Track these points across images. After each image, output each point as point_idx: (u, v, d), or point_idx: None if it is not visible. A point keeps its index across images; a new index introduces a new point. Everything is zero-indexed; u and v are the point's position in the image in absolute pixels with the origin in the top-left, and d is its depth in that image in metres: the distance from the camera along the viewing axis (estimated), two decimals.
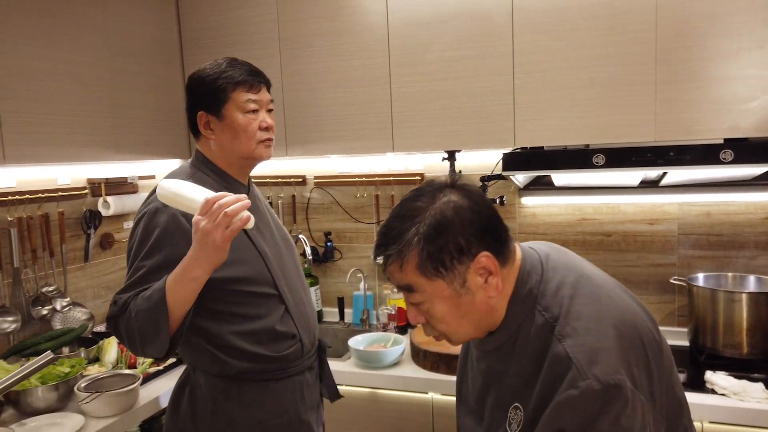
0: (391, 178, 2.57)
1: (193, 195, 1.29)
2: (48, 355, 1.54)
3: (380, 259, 1.05)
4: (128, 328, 1.35)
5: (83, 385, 1.80)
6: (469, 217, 0.99)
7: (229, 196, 1.25)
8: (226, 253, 1.28)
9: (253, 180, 1.69)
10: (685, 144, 1.80)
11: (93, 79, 2.06)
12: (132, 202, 2.52)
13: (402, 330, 2.42)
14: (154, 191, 1.42)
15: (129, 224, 2.61)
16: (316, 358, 1.65)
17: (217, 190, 1.32)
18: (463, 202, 1.00)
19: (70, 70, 1.97)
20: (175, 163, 2.80)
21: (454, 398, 1.73)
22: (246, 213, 1.26)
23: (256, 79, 1.53)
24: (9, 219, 2.05)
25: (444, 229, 0.98)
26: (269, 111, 1.57)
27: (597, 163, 1.83)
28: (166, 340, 1.34)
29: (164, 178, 1.43)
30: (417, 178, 2.52)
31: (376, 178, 2.59)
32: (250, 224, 1.27)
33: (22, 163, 1.80)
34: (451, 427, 1.96)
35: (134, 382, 1.83)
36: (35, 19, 1.85)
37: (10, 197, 2.04)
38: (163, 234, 1.40)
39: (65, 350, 2.15)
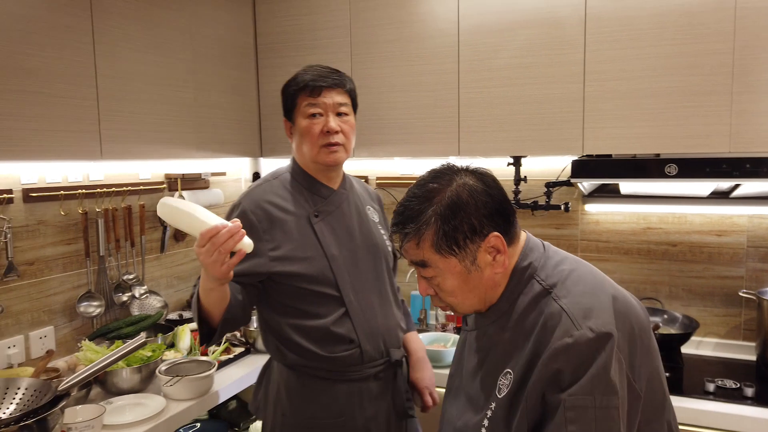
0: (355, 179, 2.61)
1: (190, 221, 1.32)
2: (141, 338, 1.65)
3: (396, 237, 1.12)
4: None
5: (163, 368, 1.92)
6: (483, 199, 1.05)
7: (223, 231, 1.26)
8: (220, 274, 1.31)
9: None
10: (761, 156, 1.78)
11: (179, 81, 2.19)
12: (204, 197, 2.64)
13: (460, 331, 2.45)
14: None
15: None
16: (385, 370, 1.62)
17: (298, 194, 1.46)
18: (477, 185, 1.07)
19: (160, 73, 2.10)
20: (246, 162, 2.93)
21: None
22: (246, 241, 1.29)
23: (318, 82, 1.53)
24: (97, 210, 2.19)
25: (459, 210, 1.04)
26: (339, 114, 1.56)
27: (669, 172, 1.83)
28: (204, 334, 1.49)
29: (261, 178, 1.56)
30: None
31: None
32: (248, 249, 1.31)
33: (116, 159, 1.93)
34: None
35: (210, 369, 1.93)
36: (133, 26, 1.99)
37: (99, 190, 2.18)
38: None
39: (142, 335, 2.27)
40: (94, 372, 1.55)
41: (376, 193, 1.83)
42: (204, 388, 1.91)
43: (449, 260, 1.07)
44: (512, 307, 1.10)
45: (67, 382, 1.49)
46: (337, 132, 1.54)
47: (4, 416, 1.42)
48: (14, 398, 1.50)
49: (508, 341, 1.09)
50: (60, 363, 2.01)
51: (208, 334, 1.50)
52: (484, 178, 1.10)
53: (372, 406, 1.59)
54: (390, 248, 1.70)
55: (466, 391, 1.19)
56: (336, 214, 1.59)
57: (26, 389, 1.52)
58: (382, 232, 1.71)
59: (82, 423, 1.60)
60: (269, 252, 1.52)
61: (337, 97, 1.55)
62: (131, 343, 1.62)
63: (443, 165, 1.14)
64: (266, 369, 1.72)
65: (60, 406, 1.44)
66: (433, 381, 1.73)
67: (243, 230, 1.30)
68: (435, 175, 1.11)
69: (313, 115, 1.53)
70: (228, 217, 1.53)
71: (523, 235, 1.15)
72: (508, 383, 1.05)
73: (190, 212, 1.32)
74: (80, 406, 1.71)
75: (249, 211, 1.52)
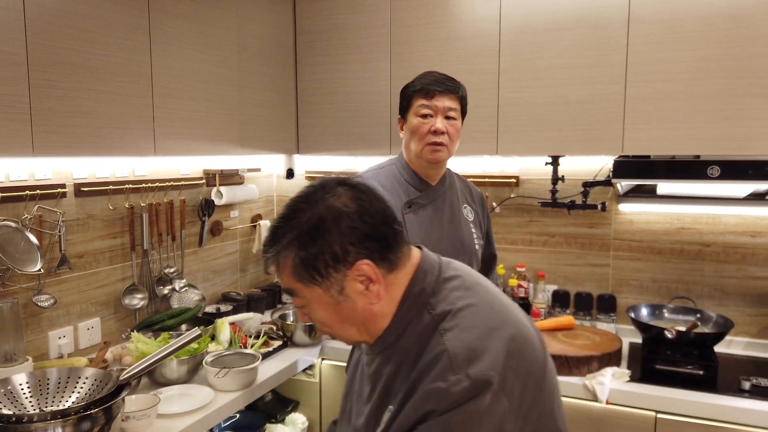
0: (486, 180, 2.64)
1: None
2: (196, 331, 1.69)
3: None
4: None
5: (210, 360, 1.96)
6: (350, 224, 0.95)
7: None
8: None
9: None
10: None
11: (226, 78, 2.23)
12: (241, 193, 2.69)
13: None
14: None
15: (235, 213, 2.78)
16: None
17: (398, 184, 1.70)
18: (348, 207, 0.96)
19: (209, 71, 2.15)
20: (280, 159, 2.96)
21: None
22: None
23: (433, 87, 1.69)
24: (142, 205, 2.23)
25: (319, 236, 0.94)
26: (448, 118, 1.70)
27: (712, 174, 1.86)
28: None
29: (369, 167, 1.84)
30: (512, 180, 2.59)
31: (471, 179, 2.66)
32: None
33: (168, 155, 1.97)
34: None
35: (255, 361, 1.97)
36: (185, 24, 2.03)
37: (144, 185, 2.22)
38: None
39: (183, 327, 2.32)
40: (154, 363, 1.60)
41: (480, 194, 1.95)
42: (249, 379, 1.95)
43: (313, 290, 0.98)
44: (399, 340, 1.00)
45: (128, 372, 1.54)
46: (443, 133, 1.70)
47: (69, 405, 1.46)
48: (75, 388, 1.54)
49: (393, 376, 1.01)
50: (107, 354, 2.06)
51: None
52: (361, 197, 0.98)
53: None
54: (478, 247, 1.81)
55: (354, 422, 1.13)
56: (428, 208, 1.74)
57: (87, 379, 1.56)
58: (473, 231, 1.82)
59: (139, 412, 1.64)
60: None
61: (448, 102, 1.71)
62: (187, 336, 1.66)
63: (319, 180, 1.03)
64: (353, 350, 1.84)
65: (123, 395, 1.49)
66: None
67: None
68: (306, 191, 1.01)
69: (425, 116, 1.70)
70: None
71: (416, 256, 1.05)
72: (387, 421, 0.98)
73: None
74: (134, 396, 1.75)
75: None
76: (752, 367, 2.14)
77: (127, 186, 2.16)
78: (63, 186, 1.95)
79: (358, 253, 0.96)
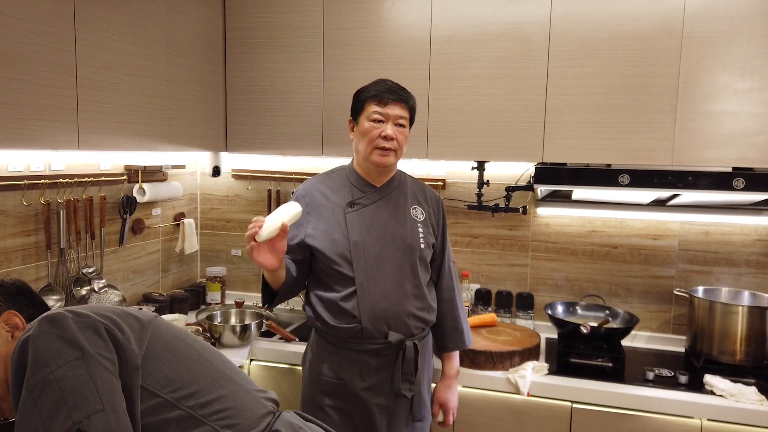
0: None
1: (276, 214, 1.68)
2: None
3: None
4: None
5: None
6: None
7: (251, 225, 1.62)
8: (260, 261, 1.66)
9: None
10: (701, 170, 2.01)
11: (154, 72, 2.16)
12: (164, 190, 2.61)
13: None
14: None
15: (158, 211, 2.69)
16: (386, 349, 1.83)
17: (343, 186, 1.87)
18: None
19: (137, 63, 2.07)
20: (206, 156, 2.90)
21: (475, 390, 2.04)
22: (262, 232, 1.60)
23: (386, 95, 1.79)
24: (59, 201, 2.11)
25: None
26: (398, 125, 1.79)
27: (622, 182, 2.02)
28: (265, 298, 1.88)
29: (329, 170, 1.98)
30: (440, 183, 2.68)
31: None
32: (260, 238, 1.62)
33: (93, 149, 1.88)
34: (471, 416, 2.13)
35: None
36: (113, 14, 1.95)
37: (60, 180, 2.11)
38: None
39: None
40: None
41: (437, 197, 2.02)
42: None
43: None
44: None
45: None
46: (392, 139, 1.79)
47: None
48: None
49: None
50: None
51: (270, 299, 1.87)
52: None
53: (370, 378, 1.83)
54: (423, 245, 1.88)
55: None
56: (370, 208, 1.84)
57: None
58: (420, 230, 1.88)
59: None
60: (307, 229, 1.85)
61: (399, 111, 1.81)
62: None
63: None
64: (310, 333, 2.01)
65: None
66: (456, 403, 2.03)
67: (260, 221, 1.62)
68: None
69: (376, 121, 1.79)
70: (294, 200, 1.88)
71: None
72: None
73: (288, 215, 1.66)
74: None
75: (300, 196, 1.90)
76: (654, 359, 2.35)
77: (43, 181, 2.04)
78: None
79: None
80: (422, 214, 1.92)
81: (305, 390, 1.95)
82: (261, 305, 2.01)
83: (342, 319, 1.81)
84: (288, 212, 1.65)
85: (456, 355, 2.03)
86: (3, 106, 1.59)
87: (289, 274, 1.82)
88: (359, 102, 1.83)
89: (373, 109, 1.78)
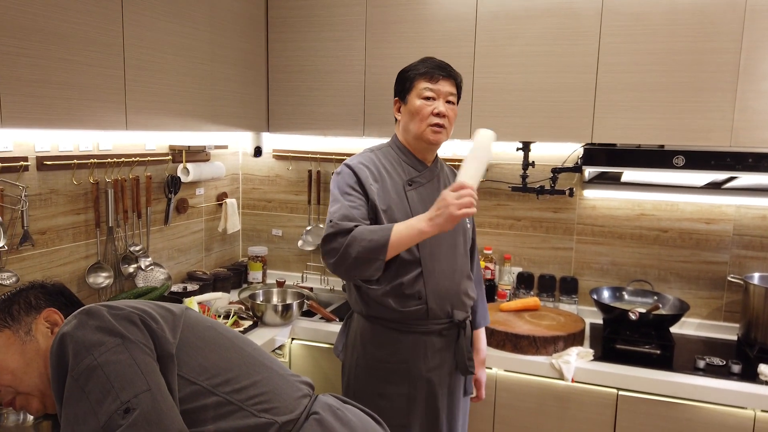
0: (457, 163, 2.66)
1: (470, 168, 1.62)
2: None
3: None
4: (348, 248, 1.64)
5: None
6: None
7: (474, 191, 1.56)
8: (452, 225, 1.58)
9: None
10: (762, 151, 1.91)
11: (198, 52, 2.16)
12: (207, 170, 2.63)
13: None
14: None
15: (201, 191, 2.72)
16: (449, 329, 1.82)
17: (396, 164, 1.79)
18: None
19: (182, 43, 2.07)
20: (248, 136, 2.91)
21: (517, 374, 2.03)
22: (473, 209, 1.56)
23: (437, 71, 1.75)
24: (107, 180, 2.15)
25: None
26: (449, 102, 1.77)
27: (677, 164, 1.94)
28: (380, 267, 1.65)
29: (363, 151, 1.86)
30: None
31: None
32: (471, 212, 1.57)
33: (140, 130, 1.90)
34: (512, 400, 2.10)
35: None
36: None
37: (108, 159, 2.15)
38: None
39: None
40: None
41: None
42: None
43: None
44: None
45: None
46: (444, 116, 1.75)
47: None
48: None
49: None
50: None
51: (378, 271, 1.68)
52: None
53: (435, 359, 1.80)
54: (469, 225, 1.90)
55: None
56: (427, 186, 1.81)
57: None
58: None
59: None
60: (382, 204, 1.73)
61: (449, 87, 1.76)
62: None
63: None
64: (348, 320, 1.96)
65: None
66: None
67: (472, 192, 1.56)
68: None
69: (428, 98, 1.74)
70: (338, 170, 1.80)
71: None
72: None
73: (484, 161, 1.64)
74: None
75: (356, 166, 1.76)
76: (704, 347, 2.27)
77: (92, 161, 2.08)
78: (25, 159, 1.86)
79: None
80: None
81: (353, 378, 1.86)
82: (368, 280, 1.77)
83: (407, 302, 1.75)
84: (484, 156, 1.63)
85: (483, 332, 2.07)
86: (53, 86, 1.61)
87: None
88: (407, 80, 1.78)
89: (423, 85, 1.74)
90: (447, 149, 2.69)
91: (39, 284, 1.27)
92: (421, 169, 1.83)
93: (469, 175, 1.59)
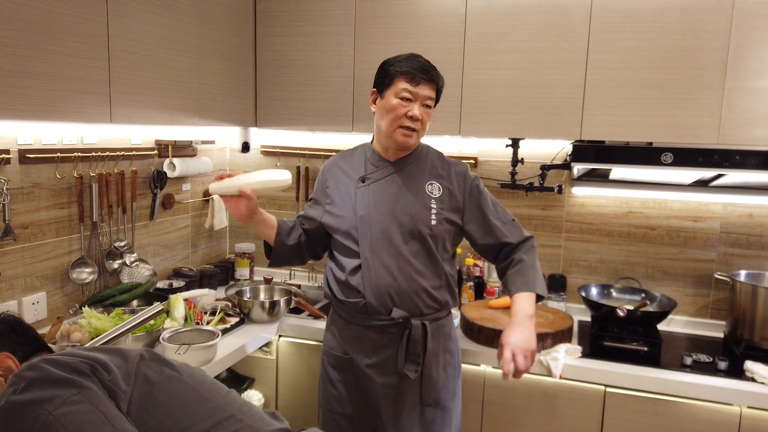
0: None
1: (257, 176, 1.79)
2: (158, 307, 1.65)
3: None
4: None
5: (167, 336, 1.90)
6: None
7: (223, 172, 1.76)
8: (235, 213, 1.79)
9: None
10: (749, 149, 1.92)
11: (185, 45, 2.13)
12: (194, 165, 2.60)
13: None
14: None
15: (188, 186, 2.69)
16: (392, 327, 1.78)
17: (363, 160, 1.85)
18: None
19: (168, 35, 2.05)
20: (235, 131, 2.88)
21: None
22: (220, 186, 1.74)
23: (419, 74, 1.70)
24: (91, 174, 2.12)
25: None
26: (425, 106, 1.73)
27: (665, 161, 1.94)
28: (266, 252, 1.93)
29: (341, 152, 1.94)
30: (471, 161, 2.62)
31: None
32: (210, 188, 1.77)
33: (125, 123, 1.87)
34: (501, 397, 2.10)
35: (214, 338, 1.93)
36: None
37: (93, 153, 2.11)
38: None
39: (134, 303, 2.24)
40: (113, 339, 1.54)
41: (464, 171, 1.86)
42: (209, 356, 1.91)
43: None
44: None
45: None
46: (418, 120, 1.72)
47: None
48: None
49: None
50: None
51: (267, 254, 1.92)
52: None
53: (375, 356, 1.81)
54: (435, 222, 1.78)
55: None
56: (381, 182, 1.79)
57: None
58: (434, 206, 1.78)
59: None
60: (326, 205, 1.86)
61: (428, 91, 1.73)
62: (149, 311, 1.61)
63: None
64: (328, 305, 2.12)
65: None
66: (526, 345, 1.69)
67: (234, 172, 1.76)
68: None
69: (404, 99, 1.70)
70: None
71: None
72: None
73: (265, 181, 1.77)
74: None
75: (322, 171, 1.93)
76: (692, 344, 2.28)
77: (76, 154, 2.05)
78: (7, 152, 1.83)
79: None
80: (439, 190, 1.81)
81: (321, 363, 1.96)
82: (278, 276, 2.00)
83: (349, 293, 1.80)
84: (264, 177, 1.73)
85: (521, 297, 1.78)
86: (35, 77, 1.58)
87: (282, 236, 1.86)
88: (387, 75, 1.73)
89: (402, 86, 1.69)
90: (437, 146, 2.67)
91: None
92: (380, 166, 1.81)
93: (248, 180, 1.73)
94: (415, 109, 1.70)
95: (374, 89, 1.80)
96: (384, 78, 1.75)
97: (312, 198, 1.93)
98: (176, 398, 1.07)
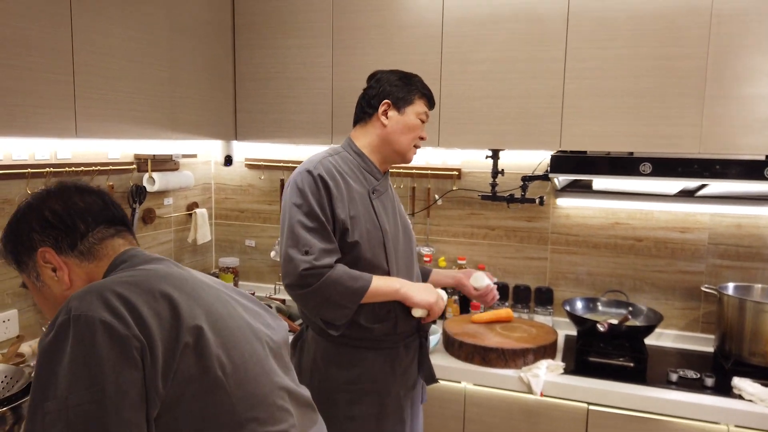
0: (429, 172, 2.63)
1: None
2: None
3: None
4: (323, 288, 1.55)
5: None
6: (36, 216, 1.05)
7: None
8: (422, 304, 1.66)
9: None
10: (730, 158, 1.87)
11: (155, 58, 2.11)
12: (175, 180, 2.58)
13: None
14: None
15: (170, 200, 2.67)
16: (414, 338, 1.77)
17: (357, 171, 1.69)
18: (38, 201, 1.08)
19: (137, 49, 2.03)
20: (218, 145, 2.86)
21: (486, 388, 1.94)
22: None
23: (432, 100, 1.80)
24: None
25: (12, 230, 1.07)
26: None
27: (644, 171, 1.89)
28: (349, 315, 1.60)
29: (320, 152, 1.73)
30: (455, 172, 2.58)
31: (414, 171, 2.65)
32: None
33: (91, 137, 1.86)
34: (482, 415, 2.04)
35: None
36: None
37: (67, 169, 2.09)
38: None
39: None
40: None
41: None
42: None
43: (24, 277, 1.08)
44: None
45: None
46: (425, 140, 1.80)
47: None
48: None
49: None
50: (25, 348, 1.94)
51: (347, 318, 1.62)
52: (48, 191, 1.10)
53: (402, 373, 1.73)
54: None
55: None
56: (385, 195, 1.77)
57: None
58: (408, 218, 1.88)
59: None
60: (350, 213, 1.62)
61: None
62: None
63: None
64: (298, 340, 1.80)
65: None
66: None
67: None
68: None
69: (423, 122, 1.77)
70: (299, 181, 1.63)
71: (120, 249, 1.09)
72: None
73: None
74: None
75: (327, 178, 1.61)
76: (680, 359, 2.22)
77: (48, 169, 2.03)
78: None
79: (41, 240, 1.04)
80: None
81: (329, 404, 1.68)
82: (331, 326, 1.66)
83: (378, 319, 1.66)
84: None
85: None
86: None
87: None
88: (411, 93, 1.72)
89: (422, 108, 1.76)
90: (419, 157, 2.65)
91: (32, 206, 1.07)
92: (379, 178, 1.76)
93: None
94: (424, 132, 1.78)
95: (389, 101, 1.71)
96: (406, 93, 1.73)
97: (317, 221, 1.58)
98: (209, 412, 0.94)
